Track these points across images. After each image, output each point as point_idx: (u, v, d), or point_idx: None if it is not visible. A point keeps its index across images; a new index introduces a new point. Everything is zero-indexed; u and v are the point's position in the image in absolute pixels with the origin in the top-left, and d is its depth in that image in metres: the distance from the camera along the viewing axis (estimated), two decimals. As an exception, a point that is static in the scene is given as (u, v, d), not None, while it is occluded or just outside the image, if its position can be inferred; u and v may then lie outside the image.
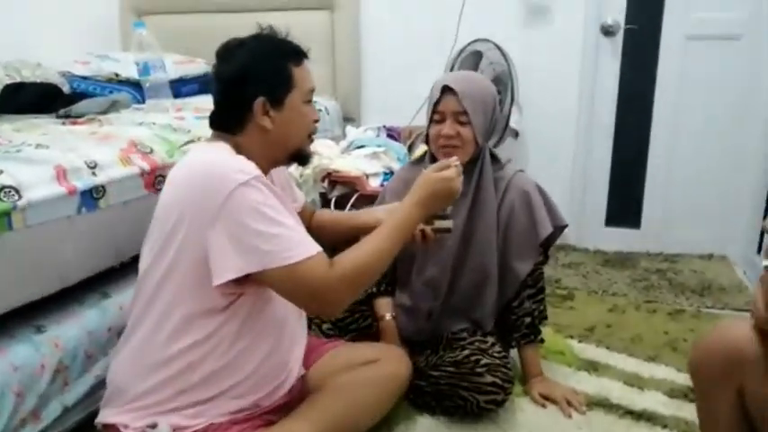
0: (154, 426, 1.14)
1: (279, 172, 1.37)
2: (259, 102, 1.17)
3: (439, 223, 1.38)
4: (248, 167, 1.10)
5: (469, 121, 1.52)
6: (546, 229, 1.58)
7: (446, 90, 1.52)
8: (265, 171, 1.21)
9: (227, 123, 1.21)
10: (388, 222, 1.22)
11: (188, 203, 1.09)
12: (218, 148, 1.19)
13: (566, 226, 1.65)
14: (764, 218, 2.43)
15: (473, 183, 1.58)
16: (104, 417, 1.19)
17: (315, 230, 1.13)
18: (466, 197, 1.57)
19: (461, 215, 1.58)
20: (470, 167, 1.57)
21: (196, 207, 1.08)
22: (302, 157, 1.29)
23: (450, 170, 1.27)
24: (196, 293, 1.12)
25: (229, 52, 1.20)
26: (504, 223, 1.60)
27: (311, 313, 1.23)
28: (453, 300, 1.64)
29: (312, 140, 1.30)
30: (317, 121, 1.28)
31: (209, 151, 1.20)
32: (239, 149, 1.18)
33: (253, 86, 1.17)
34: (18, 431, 1.17)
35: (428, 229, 1.41)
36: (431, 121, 1.57)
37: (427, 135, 1.59)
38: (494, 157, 1.64)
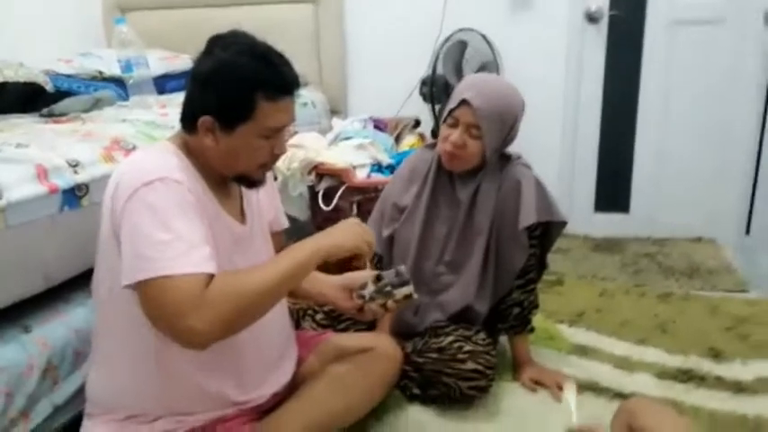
0: None
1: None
2: (205, 120, 1.07)
3: (398, 292, 1.27)
4: (161, 169, 1.03)
5: (481, 136, 1.49)
6: (528, 218, 1.51)
7: (464, 101, 1.48)
8: (216, 175, 1.14)
9: (183, 121, 1.14)
10: (288, 254, 1.08)
11: (111, 203, 1.05)
12: (157, 149, 1.14)
13: (564, 223, 1.58)
14: (751, 200, 2.45)
15: (470, 190, 1.57)
16: (86, 429, 1.17)
17: None
18: (464, 204, 1.58)
19: (458, 220, 1.59)
20: (471, 175, 1.57)
21: (111, 208, 1.04)
22: (248, 182, 1.17)
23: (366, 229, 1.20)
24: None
25: (210, 48, 1.11)
26: (499, 216, 1.57)
27: (171, 337, 0.98)
28: (438, 294, 1.63)
29: (268, 169, 1.18)
30: (277, 155, 1.15)
31: (144, 153, 1.17)
32: (189, 149, 1.12)
33: (207, 100, 1.07)
34: (8, 431, 1.17)
35: (389, 302, 1.28)
36: (444, 120, 1.53)
37: (437, 130, 1.57)
38: (504, 155, 1.60)
